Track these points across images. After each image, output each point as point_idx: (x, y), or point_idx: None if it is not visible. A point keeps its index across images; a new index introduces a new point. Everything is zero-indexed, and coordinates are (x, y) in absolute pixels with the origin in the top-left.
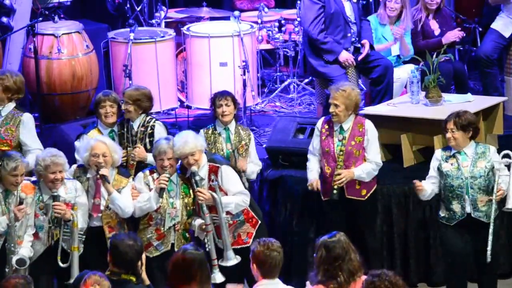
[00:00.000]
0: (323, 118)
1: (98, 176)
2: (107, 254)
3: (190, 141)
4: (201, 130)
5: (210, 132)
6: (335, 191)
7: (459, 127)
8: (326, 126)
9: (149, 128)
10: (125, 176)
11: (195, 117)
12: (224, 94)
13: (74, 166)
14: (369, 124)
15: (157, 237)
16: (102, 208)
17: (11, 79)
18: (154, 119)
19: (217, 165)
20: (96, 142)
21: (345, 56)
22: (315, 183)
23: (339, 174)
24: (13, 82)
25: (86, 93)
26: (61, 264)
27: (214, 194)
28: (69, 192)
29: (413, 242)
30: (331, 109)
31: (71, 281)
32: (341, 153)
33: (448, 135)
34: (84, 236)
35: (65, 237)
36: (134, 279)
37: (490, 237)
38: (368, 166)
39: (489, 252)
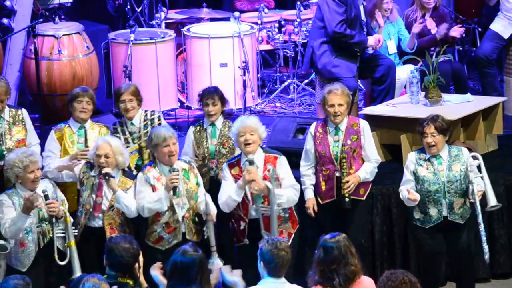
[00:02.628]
0: (315, 122)
1: (101, 175)
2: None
3: (253, 119)
4: (191, 127)
5: (198, 128)
6: (347, 199)
7: (440, 131)
8: (320, 130)
9: (156, 120)
10: (130, 178)
11: (195, 117)
12: (211, 92)
13: (83, 161)
14: (363, 122)
15: (167, 231)
16: (104, 208)
17: (3, 79)
18: (156, 111)
19: (275, 155)
20: (102, 142)
21: (373, 40)
22: (312, 205)
23: (347, 182)
24: (5, 82)
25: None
26: (59, 262)
27: (269, 184)
28: (45, 188)
29: (413, 242)
30: (336, 109)
31: (75, 276)
32: (338, 154)
33: (429, 140)
34: (76, 230)
35: (58, 235)
36: (131, 282)
37: (484, 238)
38: (370, 166)
39: (486, 250)
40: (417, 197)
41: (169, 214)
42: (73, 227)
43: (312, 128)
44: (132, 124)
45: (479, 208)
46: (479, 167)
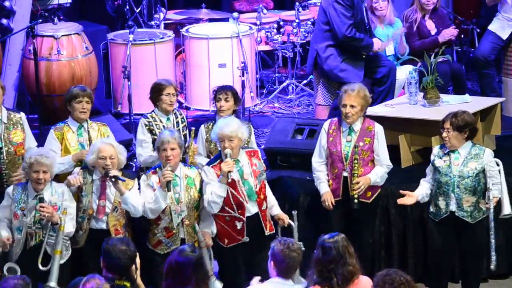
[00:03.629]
0: (329, 120)
1: (108, 178)
2: None
3: (232, 125)
4: (202, 125)
5: (210, 126)
6: (356, 201)
7: (455, 128)
8: (334, 127)
9: (185, 120)
10: (131, 178)
11: (194, 118)
12: (225, 88)
13: (78, 168)
14: (378, 127)
15: (166, 235)
16: (108, 210)
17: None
18: (181, 111)
19: (253, 149)
20: (103, 144)
21: (378, 43)
22: (329, 198)
23: (357, 183)
24: (1, 82)
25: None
26: (40, 267)
27: (292, 223)
28: (55, 194)
29: (411, 242)
30: (347, 110)
31: (49, 283)
32: (348, 154)
33: (444, 134)
34: (68, 242)
35: (50, 241)
36: (128, 284)
37: (493, 241)
38: (381, 170)
39: (493, 258)
40: (407, 201)
41: (168, 219)
42: (66, 238)
43: (326, 125)
44: (168, 119)
45: (492, 215)
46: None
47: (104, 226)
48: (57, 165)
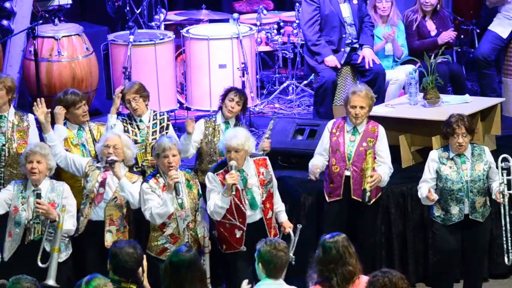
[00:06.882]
0: (333, 120)
1: (108, 163)
2: (106, 253)
3: (240, 137)
4: (202, 119)
5: (211, 121)
6: (368, 193)
7: (469, 132)
8: (338, 127)
9: (165, 120)
10: (136, 175)
11: (194, 118)
12: (239, 91)
13: (89, 157)
14: (382, 129)
15: (172, 242)
16: (107, 198)
17: (8, 78)
18: (164, 112)
19: (262, 157)
20: (112, 135)
21: (330, 60)
22: (316, 169)
23: (371, 176)
24: (10, 81)
25: (86, 95)
26: (40, 264)
27: (292, 234)
28: (53, 192)
29: (412, 242)
30: (357, 111)
31: (48, 281)
32: (351, 154)
33: (460, 140)
34: (67, 239)
35: (49, 238)
36: (134, 287)
37: (509, 240)
38: (387, 171)
39: (510, 251)
40: (436, 198)
41: (173, 225)
42: (65, 235)
43: (329, 124)
44: (141, 121)
45: (506, 209)
46: (508, 170)
47: (101, 214)
48: (54, 158)
